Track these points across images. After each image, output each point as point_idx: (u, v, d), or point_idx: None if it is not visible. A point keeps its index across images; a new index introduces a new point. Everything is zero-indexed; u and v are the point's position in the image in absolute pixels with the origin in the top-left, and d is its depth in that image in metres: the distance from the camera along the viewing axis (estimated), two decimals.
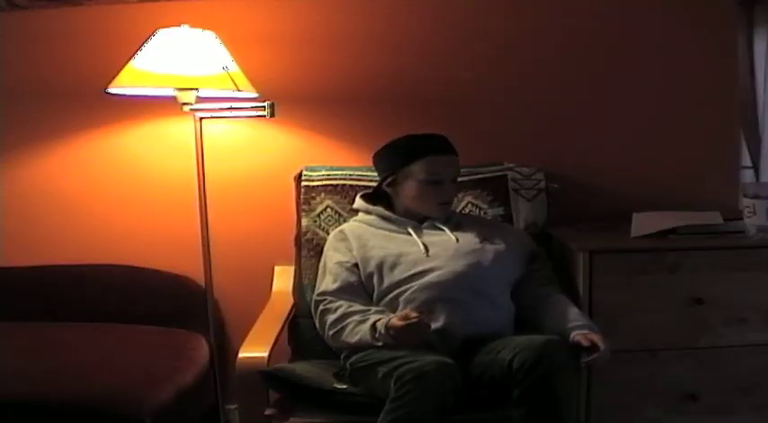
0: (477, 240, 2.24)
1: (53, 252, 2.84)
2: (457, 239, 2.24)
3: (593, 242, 2.33)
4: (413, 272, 2.16)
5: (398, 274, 2.17)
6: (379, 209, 2.34)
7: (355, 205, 2.43)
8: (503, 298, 2.21)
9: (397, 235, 2.27)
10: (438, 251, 2.21)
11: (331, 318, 2.14)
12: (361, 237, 2.28)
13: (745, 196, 2.37)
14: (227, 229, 2.75)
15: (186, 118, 2.57)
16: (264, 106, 2.48)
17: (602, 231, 2.48)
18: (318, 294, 2.23)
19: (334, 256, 2.28)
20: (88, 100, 2.73)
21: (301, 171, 2.59)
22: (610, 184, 2.78)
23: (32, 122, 2.83)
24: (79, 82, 2.76)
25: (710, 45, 2.78)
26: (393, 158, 2.31)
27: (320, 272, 2.32)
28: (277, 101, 2.51)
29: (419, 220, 2.31)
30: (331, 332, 2.14)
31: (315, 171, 2.59)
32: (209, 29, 2.48)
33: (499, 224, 2.47)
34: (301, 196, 2.56)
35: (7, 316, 2.69)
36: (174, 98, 2.47)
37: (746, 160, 2.97)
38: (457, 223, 2.32)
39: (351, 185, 2.55)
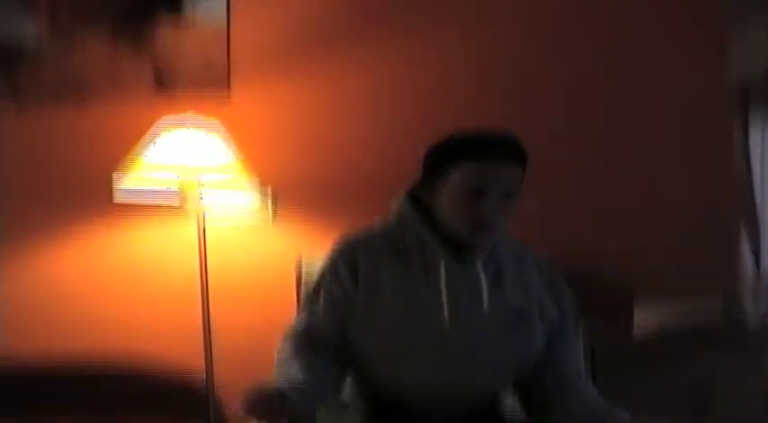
0: (503, 316, 1.79)
1: (55, 344, 2.83)
2: (488, 307, 1.78)
3: (596, 340, 2.30)
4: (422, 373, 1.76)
5: (402, 367, 1.76)
6: (420, 224, 1.81)
7: (399, 205, 1.88)
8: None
9: (421, 278, 1.78)
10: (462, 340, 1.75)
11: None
12: (374, 271, 1.80)
13: (746, 283, 2.37)
14: (228, 321, 2.74)
15: (189, 211, 2.61)
16: (267, 201, 2.53)
17: (604, 327, 2.45)
18: (294, 330, 1.85)
19: (332, 288, 1.83)
20: (92, 195, 2.78)
21: (301, 258, 2.60)
22: (611, 269, 2.78)
23: (38, 217, 2.86)
24: (83, 178, 2.81)
25: (704, 134, 2.82)
26: (434, 159, 1.82)
27: (311, 291, 1.90)
28: (279, 190, 2.55)
29: (457, 249, 1.79)
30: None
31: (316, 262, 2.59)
32: (212, 120, 2.55)
33: (539, 278, 1.93)
34: (302, 285, 2.55)
35: (7, 409, 2.67)
36: (177, 191, 2.51)
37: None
38: (498, 269, 1.84)
39: None
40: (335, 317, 1.80)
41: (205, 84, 2.84)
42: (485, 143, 1.75)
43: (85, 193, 2.81)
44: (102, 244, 2.85)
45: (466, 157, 1.73)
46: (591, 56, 2.81)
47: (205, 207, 2.58)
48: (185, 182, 2.49)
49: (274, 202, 2.56)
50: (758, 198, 3.01)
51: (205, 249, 2.59)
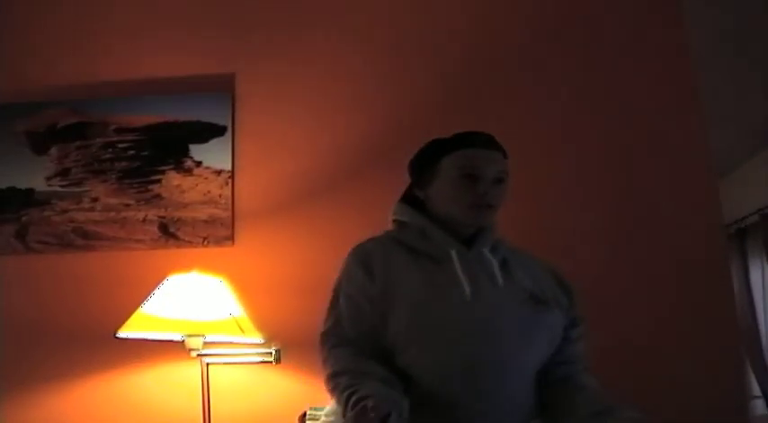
0: (522, 297, 1.81)
1: None
2: (502, 286, 1.80)
3: None
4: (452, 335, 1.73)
5: (434, 347, 1.73)
6: (422, 220, 1.89)
7: (394, 212, 1.97)
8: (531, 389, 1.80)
9: (434, 266, 1.82)
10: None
11: (329, 369, 1.78)
12: (389, 260, 1.83)
13: None
14: None
15: (194, 362, 2.60)
16: (271, 352, 2.53)
17: None
18: (324, 332, 1.86)
19: (347, 286, 1.85)
20: (97, 342, 2.75)
21: (305, 411, 2.58)
22: None
23: (40, 363, 2.83)
24: (89, 324, 2.80)
25: (705, 278, 2.82)
26: (423, 157, 1.94)
27: (332, 297, 1.90)
28: (283, 346, 2.56)
29: (463, 241, 1.86)
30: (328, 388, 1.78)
31: (320, 411, 2.57)
32: (217, 275, 2.58)
33: (543, 271, 1.95)
34: None
35: None
36: (182, 342, 2.51)
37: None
38: (503, 260, 1.88)
39: None
40: (358, 316, 1.80)
41: (209, 234, 2.89)
42: (468, 135, 1.89)
43: (89, 336, 2.79)
44: (104, 388, 2.81)
45: (454, 148, 1.86)
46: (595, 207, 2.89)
47: (208, 355, 2.58)
48: (190, 337, 2.49)
49: (278, 354, 2.55)
50: (764, 338, 3.01)
51: (208, 397, 2.56)
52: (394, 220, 1.96)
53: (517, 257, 1.92)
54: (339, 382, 1.71)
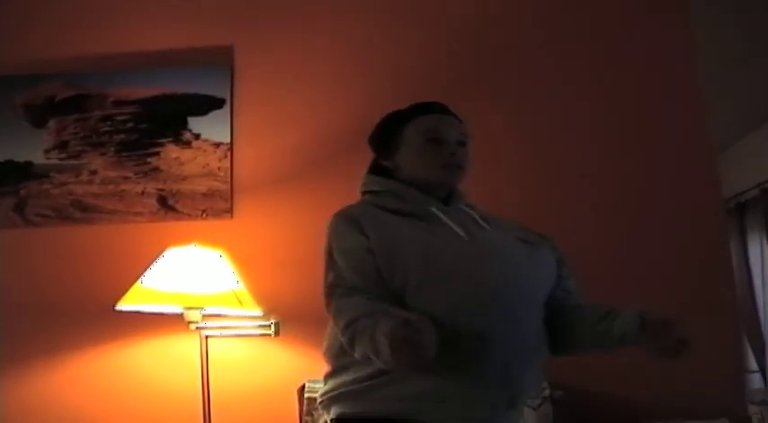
0: (513, 237, 1.83)
1: None
2: (491, 232, 1.81)
3: None
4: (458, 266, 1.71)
5: (438, 268, 1.70)
6: (396, 185, 1.88)
7: (364, 184, 1.95)
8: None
9: (418, 221, 1.79)
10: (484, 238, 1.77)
11: (344, 318, 1.68)
12: (375, 218, 1.79)
13: (753, 403, 2.34)
14: None
15: (192, 335, 2.60)
16: (270, 325, 2.54)
17: None
18: (327, 287, 1.76)
19: (340, 243, 1.78)
20: (96, 316, 2.76)
21: (304, 384, 2.59)
22: (615, 391, 2.75)
23: (39, 337, 2.85)
24: (88, 298, 2.81)
25: (704, 252, 2.83)
26: (385, 129, 1.94)
27: (326, 259, 1.80)
28: (282, 319, 2.56)
29: (437, 201, 1.86)
30: (346, 338, 1.67)
31: (318, 384, 2.58)
32: (216, 248, 2.58)
33: (517, 225, 1.95)
34: (304, 407, 2.54)
35: None
36: (181, 315, 2.52)
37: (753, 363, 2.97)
38: (482, 215, 1.89)
39: None
40: (359, 266, 1.73)
41: (208, 207, 2.89)
42: (424, 103, 1.93)
43: (87, 309, 2.81)
44: (103, 361, 2.83)
45: (414, 116, 1.89)
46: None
47: (207, 328, 2.59)
48: (189, 309, 2.50)
49: (277, 326, 2.56)
50: (761, 313, 3.02)
51: (207, 370, 2.58)
52: (365, 192, 1.94)
53: (490, 216, 1.91)
54: (357, 326, 1.62)
